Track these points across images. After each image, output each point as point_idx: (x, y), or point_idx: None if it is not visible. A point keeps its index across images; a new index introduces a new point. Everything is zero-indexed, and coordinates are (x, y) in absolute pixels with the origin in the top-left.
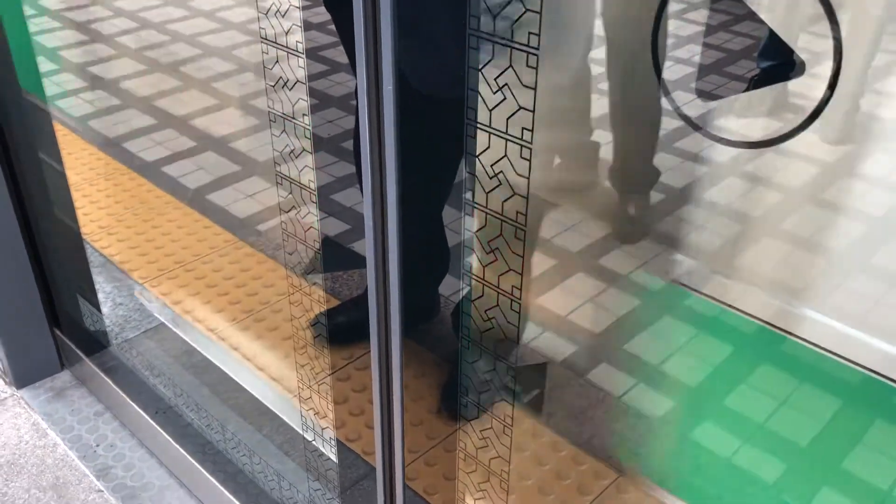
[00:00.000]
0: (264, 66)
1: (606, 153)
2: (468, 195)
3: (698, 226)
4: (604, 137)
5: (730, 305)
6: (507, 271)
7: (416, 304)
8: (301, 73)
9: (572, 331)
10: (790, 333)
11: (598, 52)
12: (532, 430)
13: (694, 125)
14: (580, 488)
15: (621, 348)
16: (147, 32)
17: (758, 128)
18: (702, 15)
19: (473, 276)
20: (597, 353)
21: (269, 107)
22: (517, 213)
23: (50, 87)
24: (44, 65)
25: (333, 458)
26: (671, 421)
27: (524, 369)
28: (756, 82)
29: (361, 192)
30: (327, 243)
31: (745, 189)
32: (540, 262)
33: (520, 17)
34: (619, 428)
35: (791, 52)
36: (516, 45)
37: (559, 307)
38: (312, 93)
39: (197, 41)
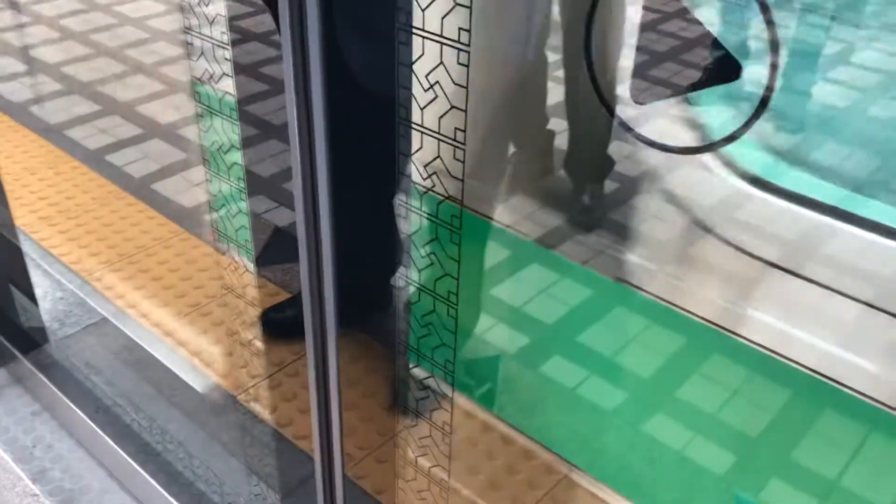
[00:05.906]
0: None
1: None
2: (402, 196)
3: None
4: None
5: None
6: (443, 276)
7: (363, 297)
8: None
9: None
10: None
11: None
12: (482, 425)
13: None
14: (530, 483)
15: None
16: (93, 14)
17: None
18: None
19: (412, 282)
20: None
21: (196, 100)
22: (451, 216)
23: None
24: None
25: (275, 457)
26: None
27: (468, 364)
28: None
29: None
30: (264, 240)
31: None
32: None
33: (449, 11)
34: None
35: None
36: (447, 41)
37: (508, 299)
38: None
39: (145, 24)
